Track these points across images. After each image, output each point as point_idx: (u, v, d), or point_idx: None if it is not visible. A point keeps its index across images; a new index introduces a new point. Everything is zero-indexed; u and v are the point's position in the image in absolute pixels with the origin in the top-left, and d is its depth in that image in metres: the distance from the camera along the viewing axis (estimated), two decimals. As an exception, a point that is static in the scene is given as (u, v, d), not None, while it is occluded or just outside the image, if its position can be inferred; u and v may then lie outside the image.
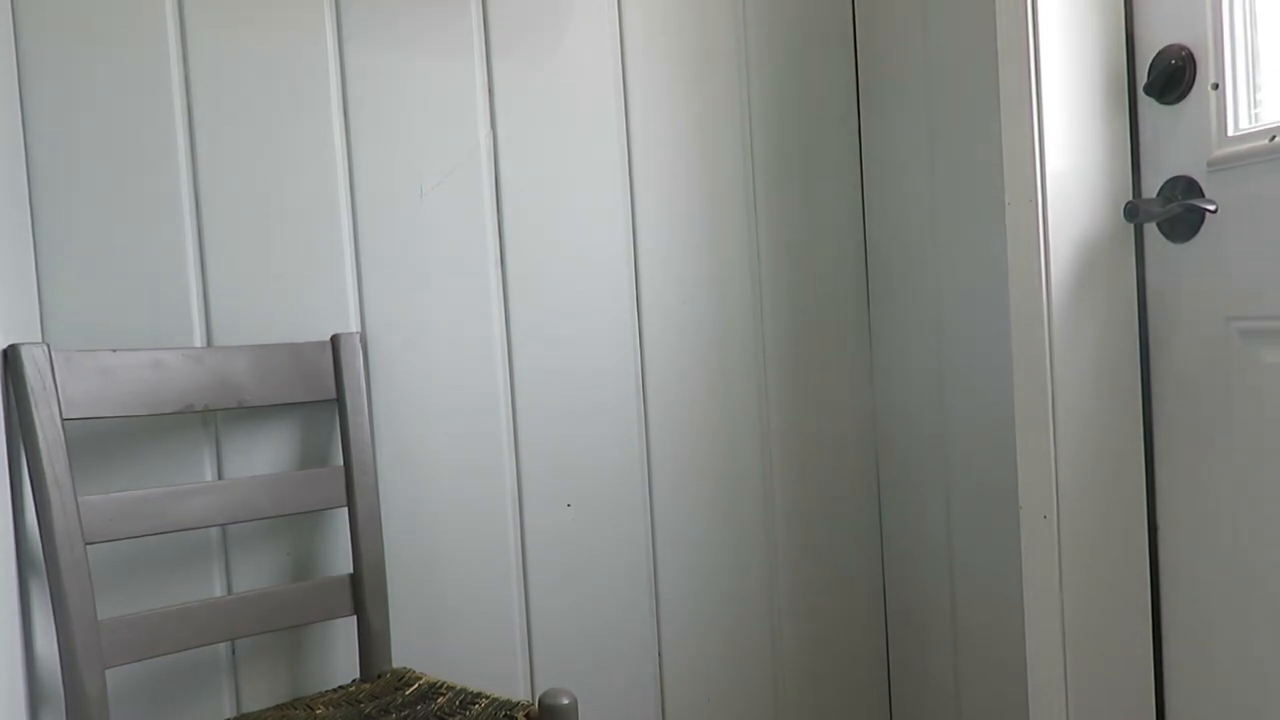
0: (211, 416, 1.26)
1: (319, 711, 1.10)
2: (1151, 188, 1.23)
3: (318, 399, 1.26)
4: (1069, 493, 1.26)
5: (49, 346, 1.08)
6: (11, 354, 1.07)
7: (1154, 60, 1.20)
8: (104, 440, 1.20)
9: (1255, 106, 1.12)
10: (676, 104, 1.49)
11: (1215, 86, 1.13)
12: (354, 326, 1.32)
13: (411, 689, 1.16)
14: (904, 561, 1.61)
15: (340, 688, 1.22)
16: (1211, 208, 1.11)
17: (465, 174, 1.37)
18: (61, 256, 1.18)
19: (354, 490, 1.25)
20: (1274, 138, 1.06)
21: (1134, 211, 1.18)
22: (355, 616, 1.25)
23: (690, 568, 1.52)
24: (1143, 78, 1.23)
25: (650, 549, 1.49)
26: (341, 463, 1.28)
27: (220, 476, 1.25)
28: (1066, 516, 1.26)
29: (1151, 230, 1.24)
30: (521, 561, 1.42)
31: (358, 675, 1.29)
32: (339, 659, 1.32)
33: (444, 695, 1.12)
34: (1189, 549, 1.23)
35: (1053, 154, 1.23)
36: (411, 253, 1.35)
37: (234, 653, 1.28)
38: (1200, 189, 1.16)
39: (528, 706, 1.06)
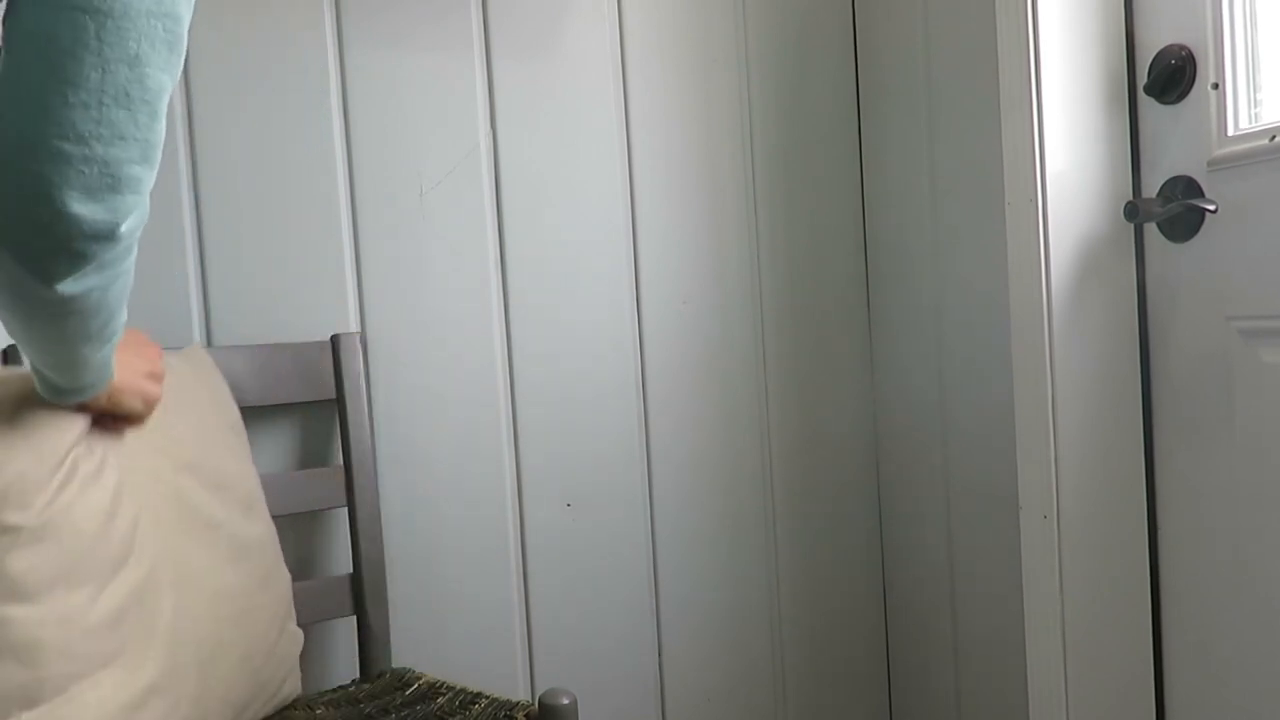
0: (211, 416, 1.25)
1: (319, 712, 1.10)
2: (1151, 187, 1.23)
3: (317, 399, 1.26)
4: (1069, 493, 1.26)
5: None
6: (12, 353, 1.07)
7: (1154, 60, 1.20)
8: (104, 440, 1.20)
9: (1255, 106, 1.12)
10: (676, 104, 1.49)
11: (1215, 86, 1.13)
12: (354, 326, 1.32)
13: (411, 689, 1.15)
14: (904, 561, 1.61)
15: (340, 688, 1.22)
16: (1211, 207, 1.11)
17: (465, 174, 1.37)
18: (61, 256, 1.18)
19: (354, 490, 1.25)
20: (1274, 138, 1.06)
21: (1134, 211, 1.18)
22: (355, 616, 1.25)
23: (690, 567, 1.52)
24: (1143, 78, 1.23)
25: (650, 548, 1.49)
26: (341, 463, 1.28)
27: (220, 476, 1.25)
28: (1066, 516, 1.26)
29: (1151, 230, 1.24)
30: (521, 561, 1.42)
31: (358, 675, 1.29)
32: (339, 659, 1.32)
33: (444, 695, 1.12)
34: (1189, 549, 1.23)
35: (1053, 154, 1.23)
36: (411, 253, 1.35)
37: (234, 653, 1.27)
38: (1200, 189, 1.16)
39: (528, 706, 1.06)
